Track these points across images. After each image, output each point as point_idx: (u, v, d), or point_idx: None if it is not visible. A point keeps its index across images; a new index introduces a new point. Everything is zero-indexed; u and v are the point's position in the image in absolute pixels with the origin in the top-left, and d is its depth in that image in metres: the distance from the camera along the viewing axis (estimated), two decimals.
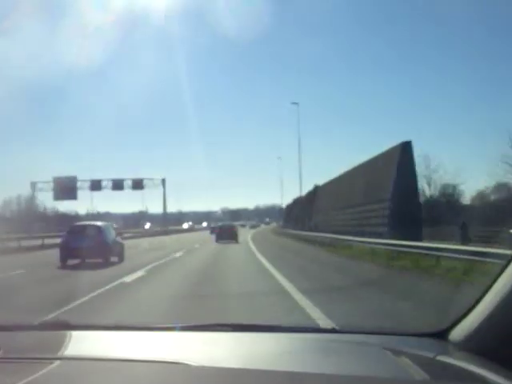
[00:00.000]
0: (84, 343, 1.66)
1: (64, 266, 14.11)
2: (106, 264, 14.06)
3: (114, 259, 14.93)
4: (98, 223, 16.66)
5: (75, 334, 1.76)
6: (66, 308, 6.70)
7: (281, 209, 77.28)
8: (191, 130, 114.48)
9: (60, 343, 1.62)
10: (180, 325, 1.85)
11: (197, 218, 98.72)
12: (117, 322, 2.02)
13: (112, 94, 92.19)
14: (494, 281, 1.38)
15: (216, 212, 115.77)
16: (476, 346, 1.37)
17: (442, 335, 1.56)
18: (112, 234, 16.11)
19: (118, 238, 16.75)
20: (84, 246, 14.21)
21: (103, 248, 14.66)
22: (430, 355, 1.40)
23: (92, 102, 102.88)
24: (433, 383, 1.24)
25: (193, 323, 1.91)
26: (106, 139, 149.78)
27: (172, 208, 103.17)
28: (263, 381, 1.22)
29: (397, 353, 1.41)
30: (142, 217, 74.25)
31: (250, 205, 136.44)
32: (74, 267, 13.76)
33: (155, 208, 75.24)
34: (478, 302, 1.43)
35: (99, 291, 8.51)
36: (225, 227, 32.92)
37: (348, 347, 1.63)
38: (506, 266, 1.34)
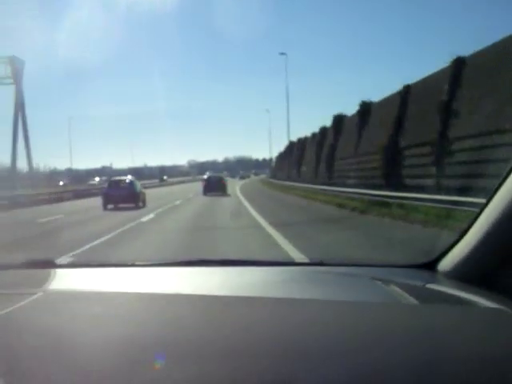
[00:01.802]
0: (68, 279, 1.67)
1: (106, 208, 19.67)
2: (136, 207, 19.53)
3: (140, 204, 20.42)
4: (130, 177, 22.35)
5: (60, 271, 1.76)
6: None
7: (265, 160, 77.64)
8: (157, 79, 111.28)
9: (44, 279, 1.61)
10: (168, 261, 1.84)
11: (167, 172, 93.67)
12: (103, 260, 2.10)
13: None
14: (480, 211, 1.38)
15: (182, 166, 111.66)
16: (464, 274, 1.40)
17: (430, 266, 1.58)
18: (139, 186, 21.75)
19: (142, 189, 22.19)
20: (120, 194, 19.81)
21: (134, 196, 20.33)
22: (419, 284, 1.42)
23: None
24: (422, 308, 1.24)
25: (179, 259, 1.86)
26: None
27: (137, 163, 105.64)
28: (251, 306, 1.21)
29: (385, 282, 1.43)
30: (104, 172, 71.93)
31: (218, 157, 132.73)
32: (115, 208, 19.42)
33: (119, 163, 78.15)
34: (465, 232, 1.44)
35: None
36: (213, 179, 30.86)
37: (336, 278, 1.65)
38: (491, 198, 1.34)
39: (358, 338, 0.97)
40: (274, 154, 76.73)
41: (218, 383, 0.82)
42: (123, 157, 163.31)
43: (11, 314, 1.13)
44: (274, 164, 70.52)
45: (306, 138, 41.29)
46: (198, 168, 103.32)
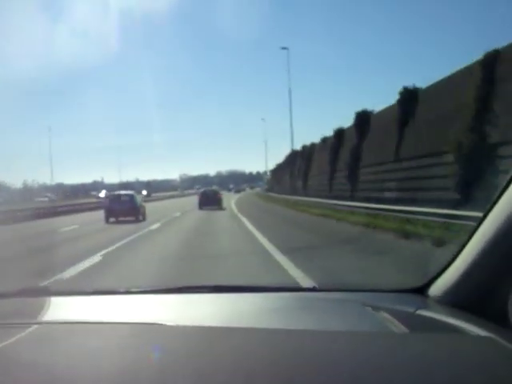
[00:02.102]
0: (63, 308, 1.67)
1: (108, 222, 20.74)
2: (136, 220, 20.63)
3: (140, 218, 21.45)
4: (130, 192, 23.51)
5: (54, 299, 1.77)
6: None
7: (258, 173, 77.92)
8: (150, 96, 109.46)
9: (39, 309, 1.61)
10: (159, 288, 1.86)
11: (157, 186, 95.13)
12: (96, 287, 2.06)
13: None
14: (471, 237, 1.38)
15: (174, 180, 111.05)
16: (455, 299, 1.40)
17: (421, 291, 1.58)
18: (139, 200, 22.81)
19: (142, 203, 23.36)
20: (121, 208, 20.95)
21: (134, 210, 21.39)
22: (410, 310, 1.43)
23: None
24: (412, 335, 1.25)
25: (173, 285, 1.89)
26: None
27: (129, 177, 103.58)
28: (244, 338, 1.21)
29: (376, 308, 1.44)
30: (95, 187, 70.58)
31: (210, 171, 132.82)
32: (116, 222, 20.45)
33: (110, 178, 78.51)
34: (455, 257, 1.44)
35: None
36: (208, 193, 31.06)
37: (328, 305, 1.67)
38: (481, 222, 1.34)
39: (349, 368, 0.98)
40: (270, 166, 76.23)
41: None
42: (114, 171, 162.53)
43: (6, 348, 1.13)
44: (269, 176, 69.40)
45: (313, 145, 37.18)
46: (190, 182, 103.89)
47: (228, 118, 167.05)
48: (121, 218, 20.94)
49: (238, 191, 79.81)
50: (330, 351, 1.12)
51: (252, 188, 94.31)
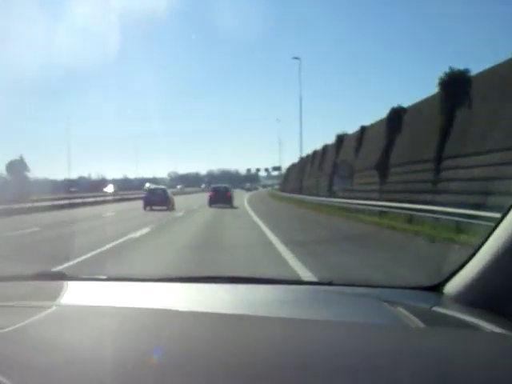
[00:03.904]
0: (80, 293, 1.70)
1: (145, 209, 26.09)
2: (168, 209, 25.88)
3: (170, 207, 26.70)
4: (163, 186, 29.40)
5: (72, 284, 1.80)
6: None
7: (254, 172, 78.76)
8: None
9: (56, 292, 1.65)
10: (175, 276, 1.88)
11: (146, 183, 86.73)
12: (114, 273, 2.08)
13: None
14: (489, 235, 1.38)
15: (163, 178, 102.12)
16: (471, 298, 1.41)
17: (437, 288, 1.60)
18: (170, 193, 28.38)
19: (172, 195, 28.81)
20: (156, 199, 26.50)
21: (166, 201, 26.84)
22: (426, 306, 1.44)
23: None
24: (428, 330, 1.26)
25: (190, 275, 1.92)
26: None
27: (116, 174, 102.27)
28: (257, 326, 1.22)
29: (393, 304, 1.45)
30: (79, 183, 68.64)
31: (201, 170, 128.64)
32: (151, 210, 25.83)
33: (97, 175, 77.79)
34: (472, 255, 1.45)
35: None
36: (218, 190, 30.28)
37: (344, 298, 1.68)
38: (500, 220, 1.34)
39: (365, 360, 0.98)
40: (264, 164, 76.49)
41: None
42: (101, 168, 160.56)
43: (25, 328, 1.15)
44: (282, 174, 68.47)
45: (326, 146, 37.08)
46: (179, 180, 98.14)
47: (223, 116, 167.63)
48: (155, 207, 26.29)
49: (249, 190, 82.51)
50: (345, 341, 1.12)
51: (265, 187, 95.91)
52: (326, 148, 38.52)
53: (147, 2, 51.41)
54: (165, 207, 26.22)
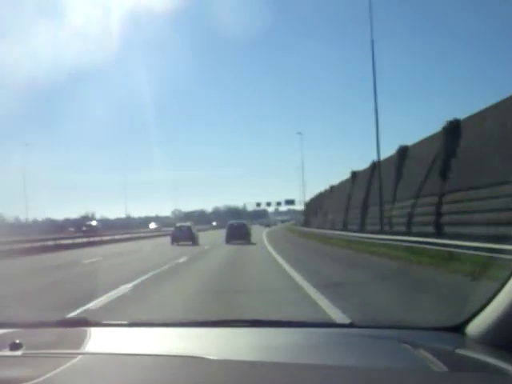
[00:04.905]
0: (104, 339, 1.73)
1: (173, 245, 29.18)
2: (192, 244, 28.92)
3: (195, 242, 29.83)
4: (188, 224, 32.60)
5: (95, 330, 1.82)
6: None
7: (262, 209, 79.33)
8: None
9: (81, 339, 1.67)
10: (198, 320, 1.91)
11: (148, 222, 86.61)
12: (135, 319, 2.10)
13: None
14: (510, 275, 1.37)
15: (167, 217, 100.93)
16: (494, 339, 1.38)
17: (458, 329, 1.57)
18: (194, 229, 31.62)
19: (196, 232, 32.09)
20: (182, 236, 29.74)
21: (191, 237, 30.01)
22: (448, 348, 1.41)
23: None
24: (452, 375, 1.23)
25: (211, 319, 1.94)
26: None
27: (119, 214, 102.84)
28: (282, 373, 1.23)
29: (414, 346, 1.43)
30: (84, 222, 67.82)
31: (207, 207, 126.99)
32: (179, 245, 28.82)
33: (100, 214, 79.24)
34: (494, 296, 1.42)
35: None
36: (235, 226, 30.55)
37: (365, 341, 1.66)
38: None
39: None
40: (276, 198, 74.18)
41: None
42: (104, 207, 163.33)
43: (54, 378, 1.17)
44: (303, 208, 66.65)
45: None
46: (186, 219, 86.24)
47: (230, 153, 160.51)
48: (181, 243, 29.30)
49: (267, 226, 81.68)
50: None
51: (283, 222, 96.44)
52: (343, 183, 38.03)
53: None
54: (189, 242, 29.39)
